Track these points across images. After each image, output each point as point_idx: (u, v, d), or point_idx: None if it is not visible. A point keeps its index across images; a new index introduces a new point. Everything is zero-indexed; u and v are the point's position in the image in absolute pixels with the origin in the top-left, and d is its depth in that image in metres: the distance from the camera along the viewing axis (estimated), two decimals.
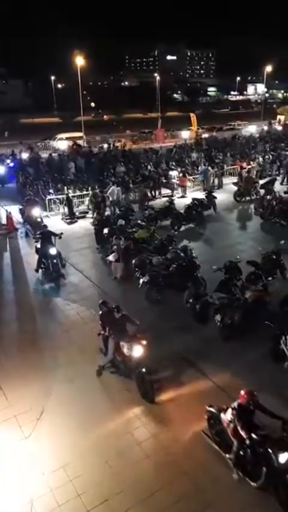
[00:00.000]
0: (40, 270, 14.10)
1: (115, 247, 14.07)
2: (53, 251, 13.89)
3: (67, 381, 9.07)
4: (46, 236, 14.22)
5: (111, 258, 14.15)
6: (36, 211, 18.27)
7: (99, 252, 16.00)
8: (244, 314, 10.35)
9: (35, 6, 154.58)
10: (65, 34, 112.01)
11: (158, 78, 74.69)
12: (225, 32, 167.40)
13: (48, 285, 13.70)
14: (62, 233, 14.44)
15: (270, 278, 12.59)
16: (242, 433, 6.49)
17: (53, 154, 33.56)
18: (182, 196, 23.45)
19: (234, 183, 23.97)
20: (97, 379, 9.12)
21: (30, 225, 18.25)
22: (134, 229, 15.76)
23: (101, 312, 9.68)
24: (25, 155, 32.39)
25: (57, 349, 10.24)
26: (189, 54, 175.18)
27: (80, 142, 40.03)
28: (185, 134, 46.39)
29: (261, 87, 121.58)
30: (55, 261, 13.87)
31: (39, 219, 18.01)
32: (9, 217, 19.06)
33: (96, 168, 27.79)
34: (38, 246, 14.28)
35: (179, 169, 25.64)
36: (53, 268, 13.82)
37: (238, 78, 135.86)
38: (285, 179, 26.34)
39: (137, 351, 8.73)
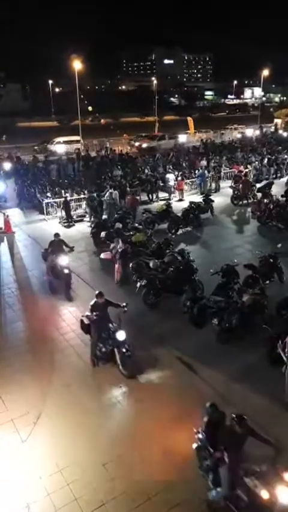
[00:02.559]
0: (96, 362, 9.69)
1: (112, 245, 14.26)
2: (121, 336, 9.31)
3: (64, 385, 9.06)
4: (102, 308, 9.73)
5: (102, 255, 14.47)
6: (63, 260, 13.52)
7: (97, 256, 15.99)
8: (241, 317, 10.37)
9: (33, 10, 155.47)
10: (63, 38, 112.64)
11: (155, 82, 74.88)
12: (223, 36, 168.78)
13: (118, 390, 8.98)
14: (127, 304, 10.06)
15: (267, 281, 12.61)
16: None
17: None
18: (180, 200, 23.51)
19: (231, 186, 24.05)
20: (94, 382, 9.11)
21: (55, 276, 13.66)
22: (131, 233, 15.78)
23: (207, 419, 6.61)
24: (8, 165, 29.74)
25: (54, 353, 10.22)
26: (186, 58, 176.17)
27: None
28: (182, 138, 46.52)
29: (258, 91, 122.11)
30: (124, 349, 9.24)
31: (66, 270, 13.35)
32: (6, 220, 19.07)
33: (93, 171, 27.84)
34: (86, 321, 9.82)
35: (176, 173, 25.70)
36: (121, 362, 9.28)
37: (235, 82, 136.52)
38: None
39: (284, 495, 5.51)
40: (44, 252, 14.59)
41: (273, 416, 8.08)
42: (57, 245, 13.88)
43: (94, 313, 9.53)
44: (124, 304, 9.95)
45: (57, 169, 28.16)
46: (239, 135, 49.99)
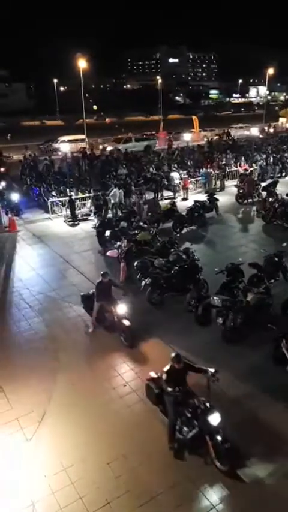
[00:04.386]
0: (177, 448, 7.18)
1: (117, 244, 14.33)
2: (214, 419, 6.70)
3: (69, 383, 9.06)
4: (181, 376, 7.15)
5: (109, 253, 14.58)
6: (120, 308, 10.51)
7: (102, 255, 15.99)
8: (246, 317, 10.34)
9: (38, 9, 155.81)
10: (68, 37, 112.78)
11: (160, 80, 74.83)
12: (228, 34, 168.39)
13: (219, 492, 6.61)
14: (217, 370, 7.12)
15: (272, 280, 12.56)
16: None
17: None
18: (184, 199, 23.47)
19: (236, 185, 23.98)
20: (99, 382, 9.11)
21: (107, 328, 10.89)
22: (136, 232, 15.77)
23: None
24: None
25: (59, 352, 10.22)
26: (191, 56, 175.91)
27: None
28: (187, 137, 46.42)
29: (263, 90, 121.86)
30: (220, 438, 6.76)
31: (127, 322, 10.31)
32: (11, 219, 19.12)
33: (98, 170, 27.85)
34: (155, 389, 7.61)
35: (181, 172, 25.64)
36: (216, 455, 6.85)
37: (240, 81, 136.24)
38: None
39: None
40: (86, 295, 11.41)
41: (278, 415, 8.05)
42: (106, 287, 10.76)
43: (177, 389, 6.92)
44: (213, 370, 7.08)
45: (46, 165, 28.48)
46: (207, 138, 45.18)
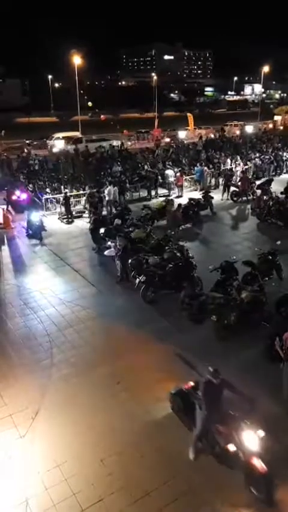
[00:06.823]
0: None
1: (111, 243, 14.26)
2: None
3: (63, 380, 9.08)
4: None
5: (106, 253, 14.48)
6: (249, 439, 6.40)
7: (96, 252, 15.98)
8: (240, 314, 10.39)
9: (33, 5, 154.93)
10: (63, 33, 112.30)
11: (155, 77, 74.65)
12: (223, 32, 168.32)
13: None
14: None
15: (266, 278, 12.62)
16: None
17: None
18: (179, 196, 23.47)
19: (227, 184, 23.96)
20: (92, 378, 9.12)
21: (216, 455, 6.85)
22: (130, 229, 15.77)
23: None
24: None
25: (53, 348, 10.22)
26: (186, 54, 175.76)
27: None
28: (182, 134, 46.34)
29: (258, 88, 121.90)
30: None
31: (260, 464, 6.23)
32: (5, 216, 19.01)
33: (93, 167, 27.77)
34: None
35: (175, 169, 25.64)
36: None
37: (235, 78, 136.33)
38: None
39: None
40: (180, 392, 7.74)
41: (272, 414, 8.09)
42: (217, 392, 6.79)
43: None
44: None
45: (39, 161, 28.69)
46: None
